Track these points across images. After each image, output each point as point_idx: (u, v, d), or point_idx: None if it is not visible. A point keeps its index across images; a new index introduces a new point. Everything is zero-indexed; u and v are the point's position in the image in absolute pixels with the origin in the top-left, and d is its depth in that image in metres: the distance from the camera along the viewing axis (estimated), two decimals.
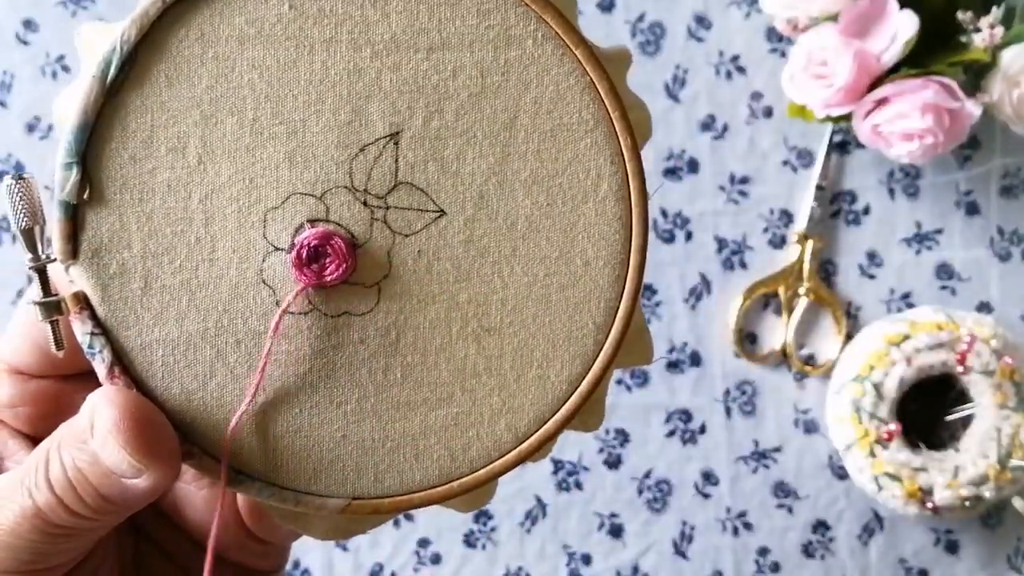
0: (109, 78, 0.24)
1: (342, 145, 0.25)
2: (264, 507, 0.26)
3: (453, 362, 0.26)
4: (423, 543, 0.63)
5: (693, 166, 0.64)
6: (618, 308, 0.26)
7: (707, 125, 0.64)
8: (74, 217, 0.24)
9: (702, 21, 0.64)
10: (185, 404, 0.25)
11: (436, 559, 0.63)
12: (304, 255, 0.24)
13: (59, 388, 0.27)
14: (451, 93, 0.25)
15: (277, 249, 0.25)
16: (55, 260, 0.24)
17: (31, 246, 0.24)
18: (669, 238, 0.64)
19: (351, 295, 0.25)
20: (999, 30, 0.56)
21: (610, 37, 0.63)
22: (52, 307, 0.24)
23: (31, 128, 0.62)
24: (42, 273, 0.24)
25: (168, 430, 0.24)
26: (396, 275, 0.25)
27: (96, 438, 0.23)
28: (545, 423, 0.26)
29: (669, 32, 0.63)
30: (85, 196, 0.24)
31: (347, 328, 0.25)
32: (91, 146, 0.24)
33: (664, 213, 0.64)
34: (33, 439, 0.28)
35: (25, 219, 0.24)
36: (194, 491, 0.30)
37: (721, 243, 0.64)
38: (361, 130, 0.25)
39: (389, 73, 0.25)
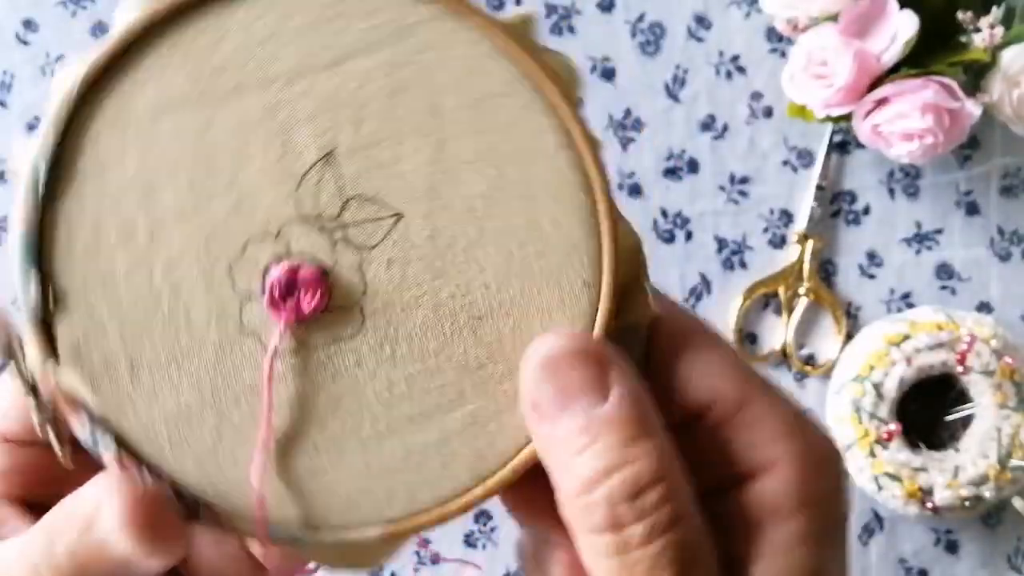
0: (41, 184, 0.24)
1: (282, 180, 0.25)
2: (305, 554, 0.26)
3: (454, 360, 0.25)
4: (423, 543, 0.63)
5: (693, 166, 0.64)
6: (601, 260, 0.25)
7: (707, 125, 0.64)
8: (45, 322, 0.24)
9: (702, 21, 0.64)
10: (202, 474, 0.25)
11: (436, 559, 0.63)
12: (277, 293, 0.24)
13: (51, 455, 0.27)
14: (367, 99, 0.25)
15: (250, 298, 0.25)
16: (38, 373, 0.24)
17: (17, 374, 0.25)
18: (669, 238, 0.63)
19: (335, 322, 0.25)
20: (999, 30, 0.56)
21: (610, 37, 0.63)
22: (49, 419, 0.24)
23: (31, 128, 0.62)
24: (34, 391, 0.24)
25: (172, 511, 0.24)
26: (373, 290, 0.25)
27: (102, 529, 0.23)
28: None
29: (669, 32, 0.63)
30: (51, 306, 0.24)
31: (340, 355, 0.25)
32: (43, 252, 0.24)
33: (664, 213, 0.63)
34: (29, 503, 0.27)
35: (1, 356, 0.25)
36: (206, 545, 0.30)
37: (721, 243, 0.64)
38: (295, 161, 0.25)
39: (303, 99, 0.25)
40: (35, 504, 0.26)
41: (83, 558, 0.23)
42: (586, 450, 0.22)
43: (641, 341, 0.26)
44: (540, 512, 0.25)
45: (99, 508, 0.23)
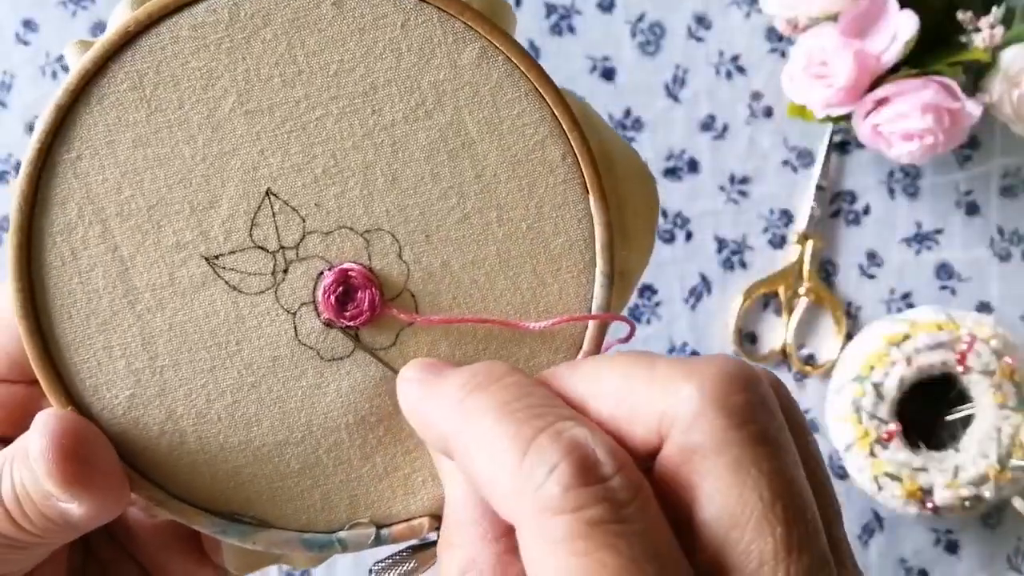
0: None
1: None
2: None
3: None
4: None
5: (693, 166, 0.64)
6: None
7: (707, 125, 0.64)
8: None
9: (702, 21, 0.64)
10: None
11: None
12: (333, 300, 0.25)
13: (29, 392, 0.27)
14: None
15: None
16: None
17: None
18: (669, 238, 0.63)
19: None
20: (999, 30, 0.56)
21: (610, 37, 0.63)
22: None
23: (31, 128, 0.62)
24: None
25: (107, 460, 0.24)
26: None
27: (25, 465, 0.23)
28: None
29: (669, 32, 0.63)
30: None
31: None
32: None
33: (664, 213, 0.63)
34: (4, 440, 0.28)
35: None
36: (144, 519, 0.30)
37: (721, 243, 0.64)
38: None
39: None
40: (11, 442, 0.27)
41: (23, 490, 0.24)
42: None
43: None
44: None
45: (26, 441, 0.24)
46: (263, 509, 0.26)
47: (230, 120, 0.25)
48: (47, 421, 0.23)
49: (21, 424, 0.26)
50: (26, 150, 0.25)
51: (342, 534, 0.26)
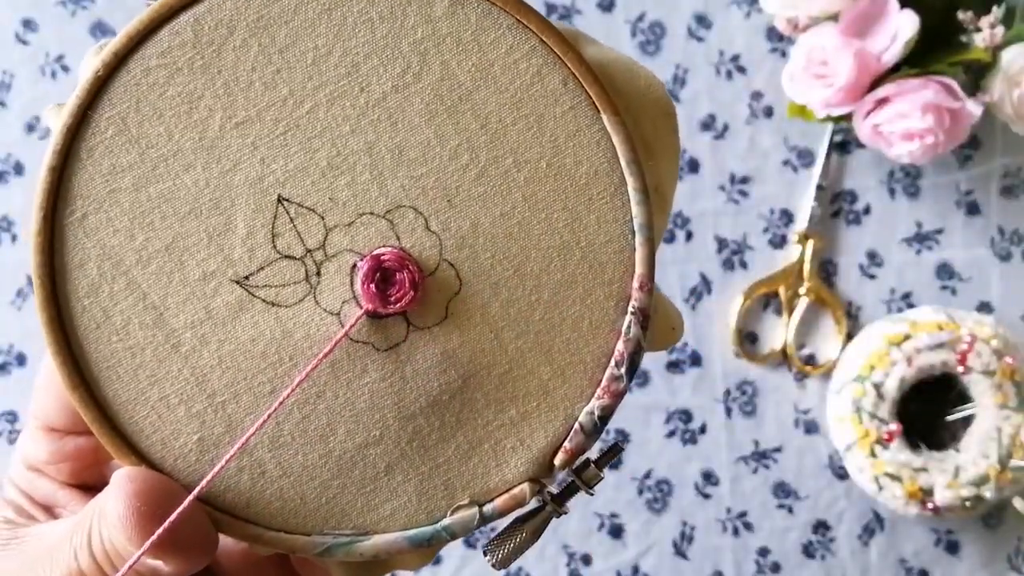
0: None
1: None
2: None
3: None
4: None
5: (693, 166, 0.64)
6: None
7: (707, 125, 0.64)
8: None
9: (702, 21, 0.64)
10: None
11: (436, 559, 0.63)
12: (373, 288, 0.24)
13: (95, 442, 0.27)
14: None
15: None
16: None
17: None
18: (669, 238, 0.63)
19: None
20: (999, 30, 0.56)
21: (610, 37, 0.63)
22: None
23: (31, 128, 0.62)
24: None
25: (193, 520, 0.23)
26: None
27: (108, 526, 0.23)
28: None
29: (669, 32, 0.63)
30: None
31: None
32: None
33: None
34: (83, 487, 0.28)
35: None
36: (231, 547, 0.29)
37: (721, 243, 0.64)
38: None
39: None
40: (95, 488, 0.27)
41: (111, 546, 0.23)
42: None
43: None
44: None
45: (105, 502, 0.23)
46: (361, 518, 0.25)
47: (222, 137, 0.24)
48: (122, 484, 0.23)
49: (95, 469, 0.27)
50: (29, 221, 0.24)
51: (446, 522, 0.25)
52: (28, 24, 0.62)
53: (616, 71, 0.26)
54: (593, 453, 0.26)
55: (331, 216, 0.25)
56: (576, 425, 0.25)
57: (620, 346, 0.25)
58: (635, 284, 0.25)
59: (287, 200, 0.24)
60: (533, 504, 0.26)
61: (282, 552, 0.25)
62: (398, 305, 0.24)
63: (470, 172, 0.25)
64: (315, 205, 0.24)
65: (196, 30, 0.24)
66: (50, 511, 0.27)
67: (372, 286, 0.24)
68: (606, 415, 0.25)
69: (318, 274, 0.25)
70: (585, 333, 0.25)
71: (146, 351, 0.24)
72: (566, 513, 0.26)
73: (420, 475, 0.25)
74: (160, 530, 0.22)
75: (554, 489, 0.26)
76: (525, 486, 0.25)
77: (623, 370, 0.25)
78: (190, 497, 0.23)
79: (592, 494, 0.26)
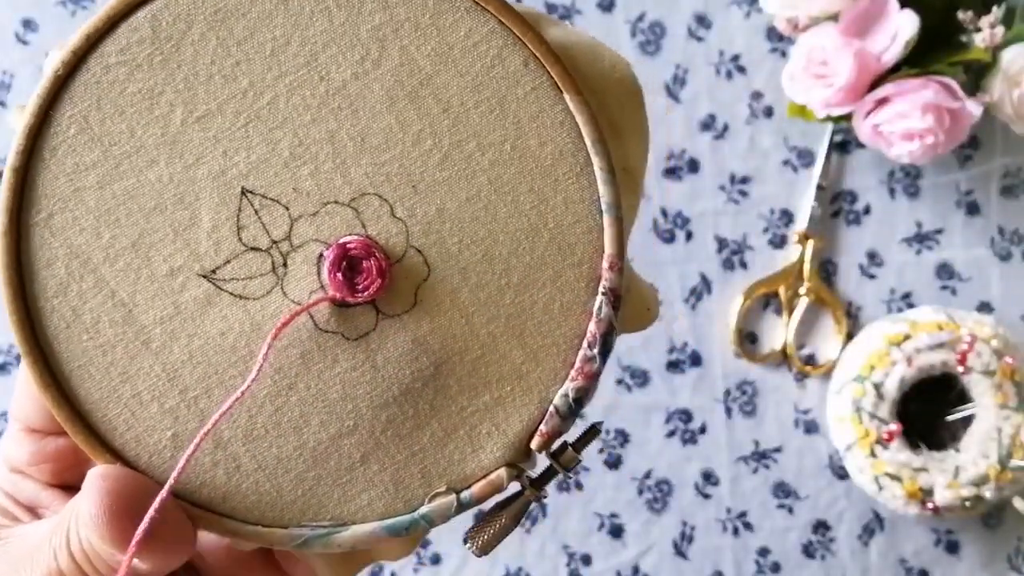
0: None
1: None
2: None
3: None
4: (423, 543, 0.63)
5: (693, 166, 0.64)
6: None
7: (707, 125, 0.64)
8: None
9: (702, 21, 0.64)
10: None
11: (436, 559, 0.63)
12: (340, 277, 0.24)
13: (75, 442, 0.27)
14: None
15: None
16: None
17: None
18: (669, 238, 0.63)
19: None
20: (999, 30, 0.56)
21: (610, 37, 0.63)
22: None
23: None
24: None
25: (168, 516, 0.23)
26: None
27: (83, 525, 0.23)
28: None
29: (669, 32, 0.63)
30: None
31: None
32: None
33: (664, 213, 0.63)
34: (66, 487, 0.28)
35: None
36: (212, 543, 0.29)
37: (721, 243, 0.64)
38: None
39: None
40: (79, 488, 0.27)
41: (89, 546, 0.23)
42: None
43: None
44: None
45: (81, 501, 0.23)
46: (338, 509, 0.25)
47: (184, 132, 0.24)
48: (95, 483, 0.23)
49: (77, 469, 0.27)
50: None
51: (423, 510, 0.25)
52: (28, 24, 0.62)
53: (579, 52, 0.26)
54: (572, 436, 0.26)
55: (296, 206, 0.24)
56: (551, 408, 0.25)
57: (592, 327, 0.25)
58: (605, 264, 0.25)
59: (251, 192, 0.24)
60: (512, 490, 0.26)
61: (262, 546, 0.25)
62: (366, 293, 0.24)
63: (433, 157, 0.25)
64: (279, 196, 0.24)
65: (154, 26, 0.24)
66: (34, 512, 0.28)
67: (339, 275, 0.24)
68: (581, 397, 0.25)
69: (285, 265, 0.25)
70: (556, 315, 0.25)
71: (117, 348, 0.24)
72: (546, 497, 0.26)
73: (396, 464, 0.25)
74: (139, 532, 0.22)
75: (533, 474, 0.26)
76: (502, 471, 0.25)
77: (596, 351, 0.25)
78: (165, 488, 0.23)
79: (571, 477, 0.26)
